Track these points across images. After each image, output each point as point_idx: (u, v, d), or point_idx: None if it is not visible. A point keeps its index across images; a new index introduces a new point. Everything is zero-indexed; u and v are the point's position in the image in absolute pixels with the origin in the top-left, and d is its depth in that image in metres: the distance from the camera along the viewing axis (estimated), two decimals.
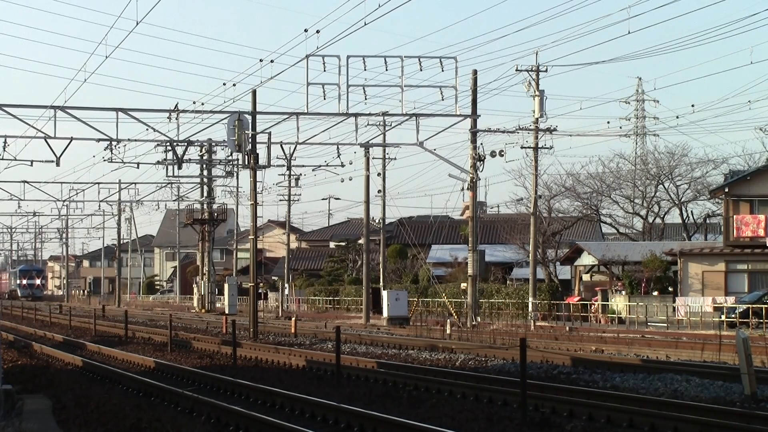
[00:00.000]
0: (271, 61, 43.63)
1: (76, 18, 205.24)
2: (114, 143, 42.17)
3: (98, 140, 40.77)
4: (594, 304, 51.17)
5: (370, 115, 45.03)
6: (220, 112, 41.86)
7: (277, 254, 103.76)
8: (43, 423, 15.59)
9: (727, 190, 49.78)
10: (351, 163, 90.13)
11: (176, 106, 41.71)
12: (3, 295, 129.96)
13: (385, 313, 51.40)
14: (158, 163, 55.86)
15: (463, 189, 47.79)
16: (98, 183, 76.07)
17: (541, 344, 32.02)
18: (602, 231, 78.22)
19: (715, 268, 49.61)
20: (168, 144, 47.84)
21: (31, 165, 49.54)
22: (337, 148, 44.34)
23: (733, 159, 75.55)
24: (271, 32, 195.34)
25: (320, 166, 59.07)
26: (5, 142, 40.61)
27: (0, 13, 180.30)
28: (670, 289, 51.71)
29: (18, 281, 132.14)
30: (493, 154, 46.99)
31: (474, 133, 46.64)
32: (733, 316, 42.52)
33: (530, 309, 49.96)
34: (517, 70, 48.09)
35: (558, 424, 15.39)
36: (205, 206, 74.07)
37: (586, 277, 60.62)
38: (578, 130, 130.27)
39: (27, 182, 65.50)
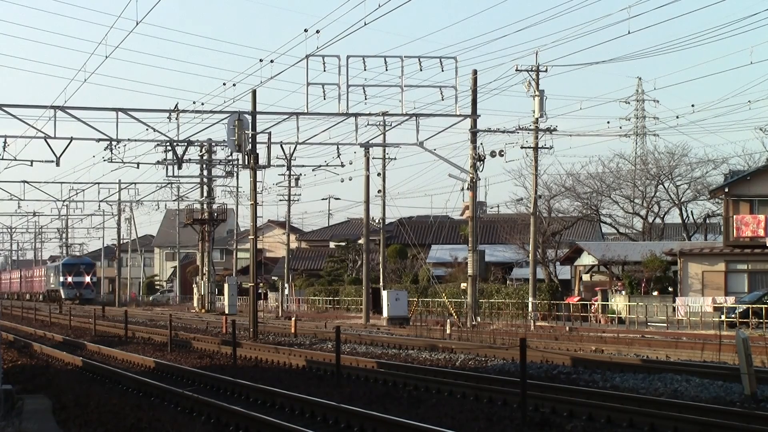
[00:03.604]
0: (271, 61, 43.65)
1: (76, 18, 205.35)
2: (114, 143, 42.19)
3: (98, 140, 40.81)
4: (594, 304, 51.16)
5: (370, 115, 45.04)
6: (220, 112, 41.86)
7: (277, 254, 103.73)
8: (43, 423, 15.59)
9: (727, 190, 49.78)
10: (351, 163, 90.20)
11: (176, 106, 41.73)
12: (36, 296, 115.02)
13: (385, 313, 51.40)
14: (158, 163, 55.88)
15: (463, 189, 47.81)
16: (98, 183, 76.15)
17: (541, 344, 32.01)
18: (602, 231, 78.23)
19: (715, 268, 49.61)
20: (168, 144, 47.84)
21: (31, 165, 49.43)
22: (337, 148, 44.39)
23: (733, 159, 75.51)
24: (271, 32, 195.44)
25: (320, 166, 59.14)
26: (5, 142, 40.62)
27: (0, 13, 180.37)
28: (670, 289, 51.71)
29: (62, 278, 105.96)
30: (493, 154, 47.00)
31: (474, 133, 46.64)
32: (733, 316, 42.51)
33: (530, 309, 49.95)
34: (517, 70, 48.07)
35: (558, 424, 15.40)
36: (205, 206, 74.08)
37: (586, 277, 60.62)
38: (578, 130, 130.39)
39: (27, 182, 65.50)
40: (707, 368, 22.62)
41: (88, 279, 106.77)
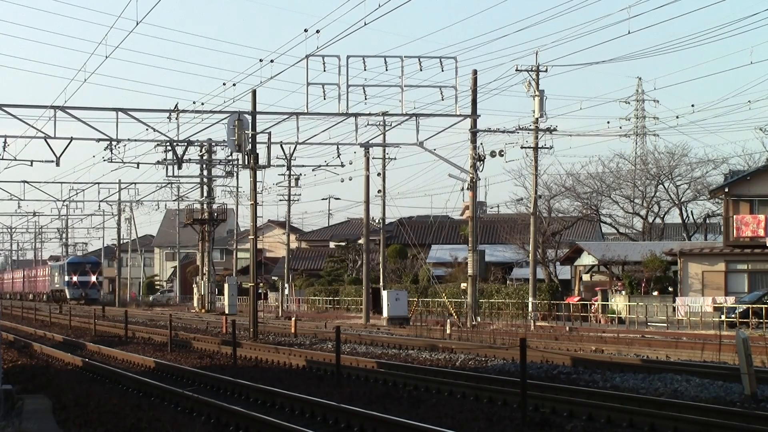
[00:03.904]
0: (271, 61, 43.54)
1: (76, 18, 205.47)
2: (114, 143, 42.17)
3: (98, 140, 40.80)
4: (594, 304, 51.16)
5: (370, 115, 45.02)
6: (220, 112, 41.85)
7: (277, 254, 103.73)
8: (43, 423, 15.59)
9: (727, 190, 49.78)
10: (351, 163, 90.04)
11: (176, 106, 41.72)
12: (39, 296, 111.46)
13: (385, 313, 51.39)
14: (158, 163, 55.80)
15: (463, 189, 47.81)
16: (98, 183, 76.07)
17: (541, 344, 32.02)
18: (602, 231, 78.23)
19: (715, 268, 49.61)
20: (168, 144, 47.83)
21: (31, 165, 49.45)
22: (337, 148, 44.35)
23: (733, 159, 75.54)
24: (271, 32, 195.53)
25: (320, 166, 59.10)
26: (5, 142, 40.60)
27: (0, 13, 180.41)
28: (670, 289, 51.71)
29: (67, 278, 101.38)
30: (493, 154, 47.01)
31: (474, 133, 46.64)
32: (733, 316, 42.52)
33: (530, 309, 49.95)
34: (517, 70, 48.07)
35: (558, 424, 15.40)
36: (205, 206, 74.07)
37: (586, 277, 60.61)
38: (578, 130, 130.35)
39: (27, 182, 65.50)
40: (707, 368, 22.62)
41: (94, 278, 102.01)
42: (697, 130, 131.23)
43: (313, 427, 15.43)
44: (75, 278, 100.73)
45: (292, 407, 17.60)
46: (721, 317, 42.93)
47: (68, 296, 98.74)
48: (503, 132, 48.82)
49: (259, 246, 58.88)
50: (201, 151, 65.96)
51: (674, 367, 22.97)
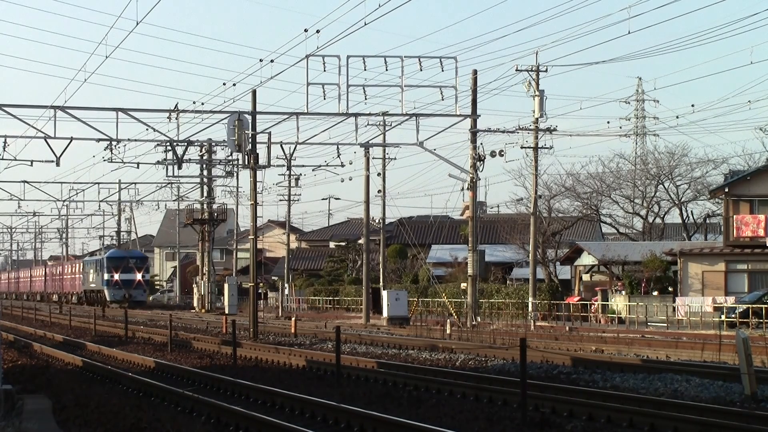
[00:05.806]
0: (271, 61, 43.54)
1: (76, 18, 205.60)
2: (114, 143, 42.20)
3: (98, 140, 40.80)
4: (594, 304, 51.16)
5: (370, 115, 45.02)
6: (220, 112, 41.86)
7: (277, 254, 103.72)
8: (43, 423, 15.59)
9: (727, 190, 49.79)
10: (351, 163, 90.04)
11: (176, 106, 41.73)
12: (67, 298, 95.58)
13: (385, 313, 51.39)
14: (158, 163, 55.83)
15: (463, 189, 47.79)
16: (98, 183, 76.03)
17: (541, 344, 32.01)
18: (602, 231, 78.23)
19: (715, 268, 49.61)
20: (168, 144, 47.83)
21: (31, 165, 49.51)
22: (337, 148, 44.34)
23: (733, 159, 75.46)
24: (271, 32, 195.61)
25: (320, 166, 59.13)
26: (5, 142, 40.61)
27: (0, 13, 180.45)
28: (670, 289, 51.71)
29: (107, 276, 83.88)
30: (493, 154, 47.01)
31: (474, 133, 46.63)
32: (733, 316, 42.52)
33: (530, 309, 49.95)
34: (517, 70, 48.07)
35: (558, 424, 15.40)
36: (205, 206, 74.06)
37: (586, 277, 60.61)
38: (578, 130, 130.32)
39: (27, 182, 65.54)
40: (707, 368, 22.62)
41: (139, 276, 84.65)
42: (697, 130, 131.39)
43: (313, 427, 15.43)
44: (116, 276, 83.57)
45: (292, 407, 17.60)
46: (721, 317, 42.93)
47: (108, 298, 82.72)
48: (503, 132, 48.84)
49: (259, 246, 58.84)
50: (201, 151, 65.98)
51: (674, 367, 22.97)
